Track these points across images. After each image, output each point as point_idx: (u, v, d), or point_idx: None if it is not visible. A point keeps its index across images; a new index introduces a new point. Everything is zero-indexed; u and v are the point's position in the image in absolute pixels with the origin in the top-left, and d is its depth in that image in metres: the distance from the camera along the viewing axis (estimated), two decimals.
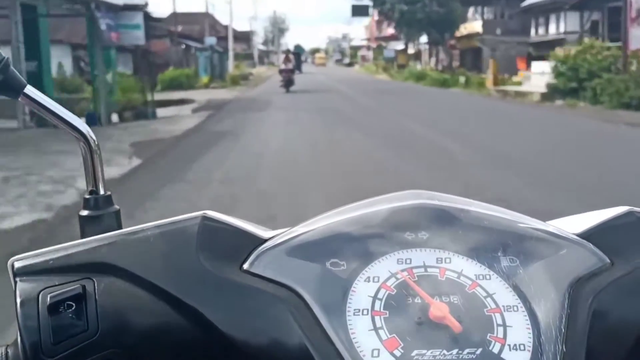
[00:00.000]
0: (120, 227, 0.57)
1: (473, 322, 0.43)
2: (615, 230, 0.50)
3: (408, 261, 0.46)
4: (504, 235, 0.48)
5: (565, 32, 26.25)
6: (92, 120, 11.48)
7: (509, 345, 0.42)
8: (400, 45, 49.78)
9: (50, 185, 6.59)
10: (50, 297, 0.43)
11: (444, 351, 0.41)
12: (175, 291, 0.44)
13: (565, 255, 0.48)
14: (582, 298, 0.45)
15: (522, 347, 0.42)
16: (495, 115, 14.26)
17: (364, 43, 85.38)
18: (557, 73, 17.66)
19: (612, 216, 0.52)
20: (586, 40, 19.28)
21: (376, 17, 55.29)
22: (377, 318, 0.43)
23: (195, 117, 14.23)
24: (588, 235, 0.50)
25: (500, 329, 0.43)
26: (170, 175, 7.01)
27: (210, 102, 18.87)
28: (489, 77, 24.01)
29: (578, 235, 0.50)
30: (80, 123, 0.59)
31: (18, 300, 0.44)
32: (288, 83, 22.87)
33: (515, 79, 24.53)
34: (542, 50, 25.32)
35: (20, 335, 0.43)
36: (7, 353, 0.45)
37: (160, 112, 14.60)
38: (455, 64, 37.17)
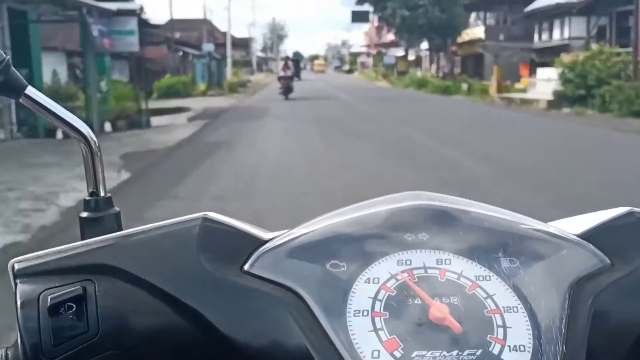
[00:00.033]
0: (120, 229, 0.57)
1: (473, 323, 0.43)
2: (616, 231, 0.50)
3: (408, 262, 0.46)
4: (504, 236, 0.48)
5: (570, 38, 25.95)
6: None
7: (509, 346, 0.42)
8: (400, 52, 49.56)
9: (30, 202, 6.22)
10: (51, 299, 0.43)
11: (444, 352, 0.41)
12: (175, 292, 0.44)
13: (565, 256, 0.47)
14: (582, 299, 0.45)
15: (522, 348, 0.42)
16: (503, 124, 13.90)
17: (364, 50, 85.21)
18: (564, 80, 17.32)
19: (612, 217, 0.51)
20: (593, 46, 18.91)
21: (376, 23, 55.18)
22: (377, 319, 0.43)
23: (191, 127, 13.94)
24: (588, 235, 0.50)
25: (501, 330, 0.42)
26: (159, 190, 6.58)
27: (206, 110, 18.66)
28: (492, 84, 23.63)
29: (578, 236, 0.50)
30: (81, 124, 0.59)
31: (18, 302, 0.44)
32: (287, 90, 22.91)
33: (518, 85, 24.17)
34: (546, 56, 25.02)
35: (21, 337, 0.43)
36: (7, 355, 0.45)
37: (155, 120, 14.31)
38: (457, 70, 36.84)
